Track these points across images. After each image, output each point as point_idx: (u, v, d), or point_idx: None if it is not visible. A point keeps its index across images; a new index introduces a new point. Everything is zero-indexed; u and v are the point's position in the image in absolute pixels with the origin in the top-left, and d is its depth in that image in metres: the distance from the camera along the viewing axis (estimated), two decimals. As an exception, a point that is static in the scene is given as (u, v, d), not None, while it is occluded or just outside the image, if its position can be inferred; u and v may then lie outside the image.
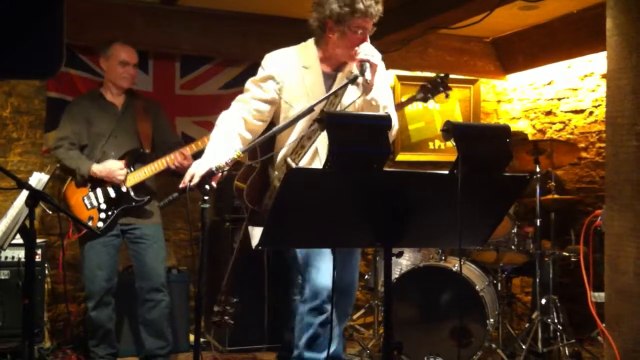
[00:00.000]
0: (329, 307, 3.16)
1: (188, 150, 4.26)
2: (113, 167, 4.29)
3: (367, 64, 2.96)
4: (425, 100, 4.36)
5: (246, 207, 3.23)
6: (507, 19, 5.54)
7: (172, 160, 4.25)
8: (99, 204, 4.32)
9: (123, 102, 4.50)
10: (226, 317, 3.22)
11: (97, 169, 4.28)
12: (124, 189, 4.32)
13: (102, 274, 4.34)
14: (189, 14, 5.40)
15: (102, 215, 4.31)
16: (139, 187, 4.37)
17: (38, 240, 4.62)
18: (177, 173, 4.17)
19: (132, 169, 4.36)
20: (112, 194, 4.32)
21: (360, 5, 3.01)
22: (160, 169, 4.33)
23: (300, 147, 3.15)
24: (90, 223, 4.27)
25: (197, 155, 3.68)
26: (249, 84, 3.25)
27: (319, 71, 3.21)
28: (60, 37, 1.74)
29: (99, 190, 4.32)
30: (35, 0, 1.71)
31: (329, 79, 3.22)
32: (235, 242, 5.05)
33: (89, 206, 4.32)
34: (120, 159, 4.37)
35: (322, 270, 3.15)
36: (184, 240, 5.73)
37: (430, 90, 4.34)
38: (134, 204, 4.37)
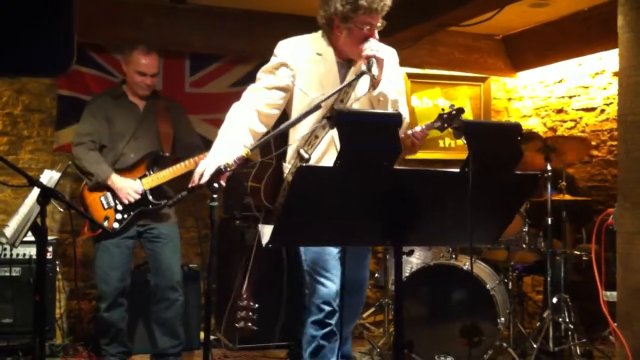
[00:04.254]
0: (332, 320, 3.14)
1: None
2: (130, 187, 4.27)
3: (374, 60, 2.93)
4: (441, 129, 4.40)
5: (264, 206, 3.20)
6: (517, 16, 5.51)
7: (200, 159, 4.22)
8: (116, 204, 4.31)
9: (145, 104, 4.48)
10: (249, 324, 3.22)
11: (115, 181, 4.26)
12: (141, 191, 4.32)
13: (115, 275, 4.34)
14: (198, 12, 5.40)
15: (119, 216, 4.31)
16: (156, 190, 4.36)
17: (49, 238, 4.64)
18: None
19: (150, 171, 4.35)
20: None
21: (363, 2, 2.97)
22: (180, 173, 4.30)
23: (314, 137, 3.09)
24: (105, 223, 4.26)
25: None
26: (261, 73, 3.20)
27: (333, 59, 3.16)
28: (71, 34, 1.74)
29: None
30: (46, -1, 1.72)
31: (343, 68, 3.18)
32: (247, 240, 5.07)
33: (106, 206, 4.31)
34: (139, 160, 4.36)
35: (327, 284, 3.13)
36: (194, 238, 5.74)
37: (447, 120, 4.38)
38: (150, 207, 4.35)
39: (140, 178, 4.34)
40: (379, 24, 3.07)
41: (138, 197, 4.28)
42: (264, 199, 3.15)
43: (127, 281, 4.43)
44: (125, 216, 4.31)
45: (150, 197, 4.34)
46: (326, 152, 3.10)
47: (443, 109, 4.47)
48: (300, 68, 3.15)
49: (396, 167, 2.11)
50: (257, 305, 3.24)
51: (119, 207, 4.31)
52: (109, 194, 4.32)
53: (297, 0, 5.09)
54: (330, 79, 3.13)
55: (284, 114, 3.23)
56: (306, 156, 3.08)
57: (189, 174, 4.12)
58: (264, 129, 3.13)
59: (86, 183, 4.37)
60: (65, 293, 5.28)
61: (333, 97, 3.00)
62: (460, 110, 4.33)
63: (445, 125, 4.38)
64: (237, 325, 3.25)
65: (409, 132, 3.41)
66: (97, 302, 4.50)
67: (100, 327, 4.47)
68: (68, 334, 5.19)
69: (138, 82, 4.39)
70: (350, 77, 3.12)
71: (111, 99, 4.46)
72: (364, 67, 2.95)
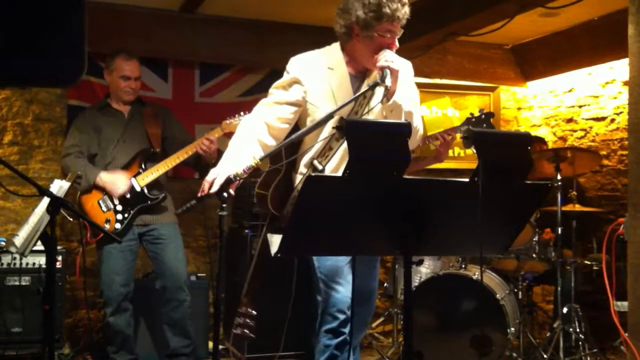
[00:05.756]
0: (345, 329, 3.13)
1: (215, 134, 4.35)
2: (119, 179, 4.35)
3: (387, 70, 2.92)
4: None
5: (269, 214, 3.19)
6: (527, 25, 5.51)
7: (198, 146, 4.32)
8: (115, 205, 4.37)
9: (129, 109, 4.58)
10: (246, 331, 3.21)
11: (103, 177, 4.34)
12: (138, 189, 4.39)
13: (119, 279, 4.39)
14: (207, 21, 5.43)
15: (119, 216, 4.37)
16: (152, 185, 4.44)
17: (58, 247, 4.65)
18: (198, 164, 4.37)
19: (143, 168, 4.43)
20: (127, 194, 4.38)
21: (387, 10, 2.96)
22: (173, 165, 4.39)
23: (328, 148, 3.08)
24: (107, 226, 4.32)
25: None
26: (273, 89, 3.19)
27: (345, 72, 3.14)
28: (81, 45, 1.75)
29: None
30: (56, 9, 1.72)
31: (357, 80, 3.16)
32: (254, 249, 5.07)
33: (105, 209, 4.37)
34: (131, 160, 4.44)
35: (341, 292, 3.12)
36: (202, 247, 5.74)
37: (474, 124, 4.34)
38: (149, 202, 4.43)
39: (135, 176, 4.41)
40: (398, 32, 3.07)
41: (126, 188, 4.34)
42: (271, 206, 3.14)
43: (130, 286, 4.48)
44: (126, 215, 4.38)
45: (147, 193, 4.42)
46: (340, 164, 3.08)
47: (472, 113, 4.44)
48: (312, 83, 3.13)
49: (406, 176, 2.11)
50: (255, 313, 3.23)
51: (119, 208, 4.38)
52: (106, 197, 4.38)
53: (306, 10, 5.10)
54: (343, 92, 3.11)
55: (296, 128, 3.22)
56: (320, 167, 3.07)
57: (197, 166, 4.25)
58: (273, 143, 3.12)
59: (80, 190, 4.43)
60: (74, 302, 5.28)
61: (346, 108, 2.99)
62: (490, 115, 4.30)
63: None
64: (234, 331, 3.25)
65: (433, 135, 3.39)
66: (102, 309, 4.53)
67: (107, 334, 4.50)
68: (76, 343, 5.19)
69: (123, 87, 4.49)
70: (364, 88, 3.10)
71: (96, 111, 4.60)
72: (377, 78, 2.95)
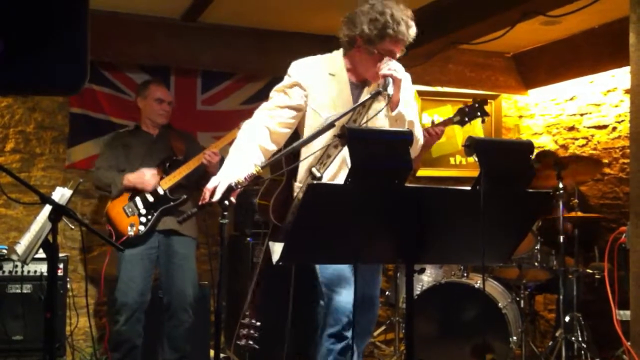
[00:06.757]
0: (348, 333, 3.12)
1: (216, 146, 4.50)
2: (145, 172, 4.46)
3: (390, 79, 2.93)
4: (462, 123, 4.29)
5: (271, 223, 3.19)
6: (528, 34, 5.52)
7: (204, 155, 4.44)
8: (139, 209, 4.45)
9: (158, 132, 4.71)
10: (250, 342, 3.21)
11: (130, 177, 4.46)
12: (161, 192, 4.47)
13: (136, 287, 4.43)
14: (209, 30, 5.45)
15: (143, 219, 4.45)
16: (175, 188, 4.51)
17: (60, 255, 4.65)
18: (208, 173, 4.36)
19: (166, 173, 4.53)
20: (150, 198, 4.46)
21: (391, 31, 2.98)
22: (194, 167, 4.48)
23: (327, 156, 3.09)
24: (132, 230, 4.39)
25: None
26: (273, 92, 3.21)
27: (346, 80, 3.16)
28: (84, 52, 1.75)
29: (137, 198, 4.46)
30: (58, 15, 1.73)
31: (357, 88, 3.17)
32: (256, 257, 5.06)
33: (129, 214, 4.44)
34: (156, 167, 4.54)
35: (344, 295, 3.11)
36: (204, 255, 5.73)
37: (467, 114, 4.28)
38: (171, 203, 4.50)
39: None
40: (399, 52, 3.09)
41: (156, 179, 4.45)
42: (272, 216, 3.14)
43: (147, 296, 4.51)
44: (149, 217, 4.45)
45: (169, 196, 4.51)
46: (338, 172, 3.10)
47: (465, 103, 4.36)
48: (313, 88, 3.15)
49: (407, 184, 2.11)
50: (259, 323, 3.22)
51: (142, 211, 4.46)
52: (130, 203, 4.47)
53: (308, 19, 5.11)
54: (343, 99, 3.12)
55: (296, 134, 3.23)
56: (318, 175, 3.08)
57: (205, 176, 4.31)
58: (274, 148, 3.14)
59: (110, 198, 4.54)
60: (75, 310, 5.27)
61: (347, 116, 3.00)
62: (483, 102, 4.24)
63: (467, 119, 4.30)
64: (238, 342, 3.25)
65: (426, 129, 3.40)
66: (115, 315, 4.51)
67: (115, 341, 4.49)
68: (77, 351, 5.18)
69: (157, 110, 4.66)
70: (365, 96, 3.11)
71: (127, 132, 4.77)
72: (380, 86, 2.95)
